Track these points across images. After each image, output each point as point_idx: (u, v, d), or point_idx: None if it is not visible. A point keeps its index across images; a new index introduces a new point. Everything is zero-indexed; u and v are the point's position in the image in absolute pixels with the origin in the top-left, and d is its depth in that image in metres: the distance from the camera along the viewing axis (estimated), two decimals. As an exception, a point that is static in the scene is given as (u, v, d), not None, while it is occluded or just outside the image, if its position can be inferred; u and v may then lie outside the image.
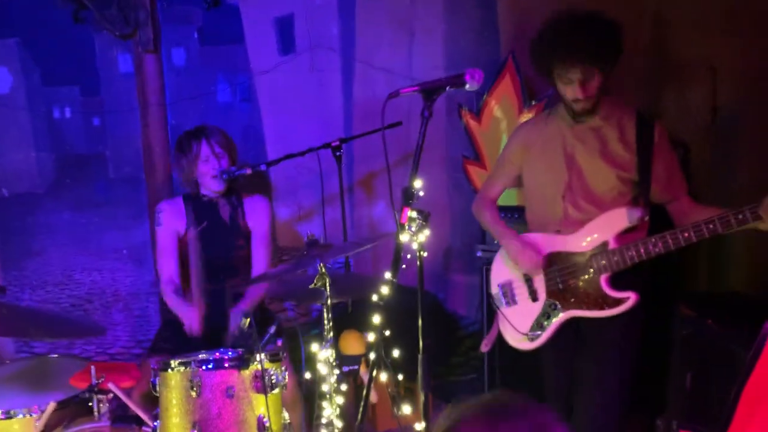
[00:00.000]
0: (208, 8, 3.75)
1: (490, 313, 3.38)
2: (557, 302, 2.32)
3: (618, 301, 2.21)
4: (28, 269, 3.73)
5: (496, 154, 3.57)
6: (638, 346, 2.31)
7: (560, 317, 2.31)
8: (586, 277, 2.24)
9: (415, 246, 1.73)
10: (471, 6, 3.71)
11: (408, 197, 1.70)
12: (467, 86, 1.75)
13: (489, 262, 3.36)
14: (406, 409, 2.17)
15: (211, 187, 2.86)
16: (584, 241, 2.26)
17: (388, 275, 1.74)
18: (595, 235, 2.24)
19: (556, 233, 2.33)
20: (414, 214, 1.72)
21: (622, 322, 2.24)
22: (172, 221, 2.92)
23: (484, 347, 2.60)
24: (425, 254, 1.74)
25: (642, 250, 2.15)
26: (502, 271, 2.48)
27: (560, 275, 2.30)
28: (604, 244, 2.21)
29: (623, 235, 2.21)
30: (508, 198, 3.58)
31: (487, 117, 3.57)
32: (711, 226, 2.06)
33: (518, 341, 2.42)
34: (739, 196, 2.45)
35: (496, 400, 0.98)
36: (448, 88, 1.77)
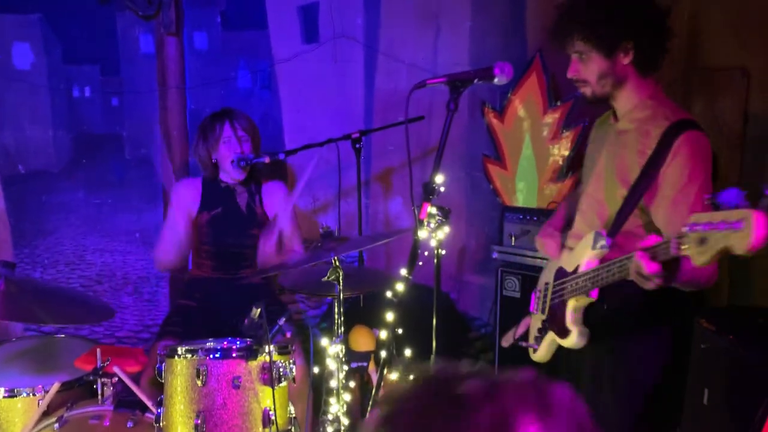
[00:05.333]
0: (233, -8, 3.71)
1: (503, 315, 3.33)
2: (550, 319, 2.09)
3: (566, 332, 1.93)
4: (40, 247, 3.71)
5: (518, 153, 3.51)
6: (635, 377, 2.02)
7: (550, 335, 2.07)
8: (561, 299, 1.99)
9: (433, 243, 1.68)
10: (499, 2, 3.64)
11: (428, 192, 1.65)
12: (496, 80, 1.69)
13: (504, 264, 3.32)
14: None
15: (230, 172, 2.82)
16: (571, 260, 1.99)
17: (403, 272, 1.69)
18: (576, 256, 1.96)
19: (566, 248, 2.10)
20: (434, 210, 1.66)
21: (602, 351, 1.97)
22: (184, 201, 2.89)
23: (505, 342, 2.37)
24: (444, 252, 1.68)
25: (588, 281, 1.83)
26: (542, 276, 2.27)
27: (552, 293, 2.08)
28: (577, 268, 1.92)
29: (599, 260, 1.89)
30: (529, 199, 3.52)
31: (510, 116, 3.51)
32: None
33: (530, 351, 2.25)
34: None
35: (452, 374, 0.70)
36: (476, 80, 1.70)
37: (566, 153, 3.36)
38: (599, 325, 1.94)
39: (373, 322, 2.73)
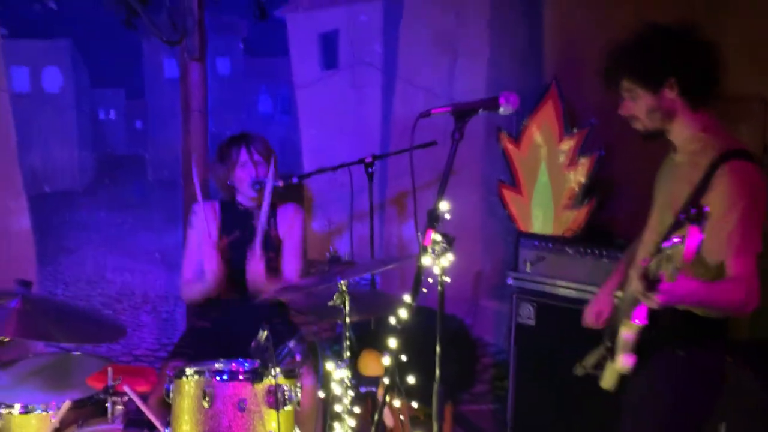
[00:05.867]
0: (255, 20, 3.80)
1: (518, 343, 3.29)
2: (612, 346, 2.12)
3: (615, 355, 1.98)
4: (62, 265, 3.82)
5: (533, 179, 3.50)
6: (670, 401, 2.00)
7: (609, 361, 2.10)
8: (619, 326, 2.02)
9: (436, 270, 1.68)
10: (517, 30, 3.67)
11: (433, 219, 1.66)
12: (501, 110, 1.70)
13: (519, 290, 3.29)
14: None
15: (247, 194, 2.86)
16: (629, 289, 2.05)
17: (407, 298, 1.70)
18: (630, 285, 2.01)
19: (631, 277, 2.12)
20: (438, 237, 1.67)
21: (645, 380, 1.99)
22: (203, 224, 2.93)
23: (578, 371, 2.36)
24: (447, 279, 1.69)
25: (626, 305, 1.91)
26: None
27: (616, 318, 2.13)
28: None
29: None
30: (545, 226, 3.50)
31: (526, 142, 3.51)
32: None
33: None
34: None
35: None
36: (481, 110, 1.72)
37: (582, 180, 3.35)
38: (645, 352, 1.97)
39: (384, 346, 2.73)
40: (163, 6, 3.58)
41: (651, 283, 1.57)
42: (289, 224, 2.92)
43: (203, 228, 2.88)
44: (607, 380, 2.14)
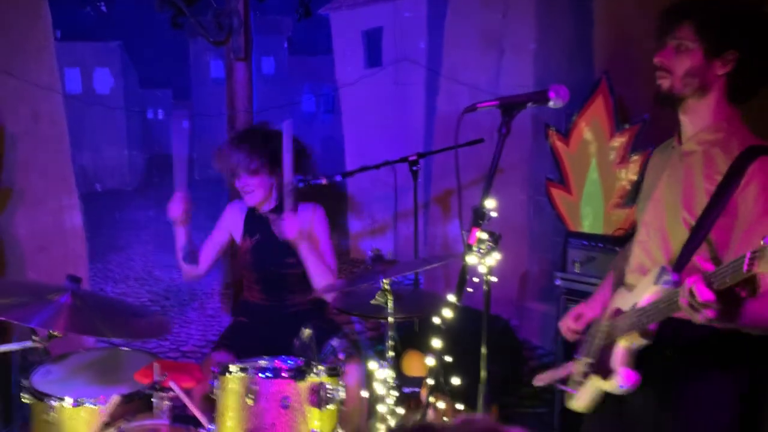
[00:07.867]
0: (299, 19, 3.81)
1: (567, 345, 3.20)
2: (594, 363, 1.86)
3: (610, 373, 1.73)
4: (112, 263, 3.90)
5: (583, 177, 3.41)
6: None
7: (593, 380, 1.84)
8: (611, 340, 1.79)
9: (482, 269, 1.64)
10: (565, 25, 3.58)
11: (478, 217, 1.61)
12: (551, 103, 1.63)
13: (568, 292, 3.21)
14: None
15: (247, 203, 2.80)
16: (629, 299, 1.78)
17: (451, 297, 1.65)
18: (636, 294, 1.75)
19: (625, 286, 1.88)
20: (484, 235, 1.62)
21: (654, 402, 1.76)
22: (228, 223, 2.95)
23: (539, 381, 2.15)
24: (494, 279, 1.64)
25: (643, 316, 1.65)
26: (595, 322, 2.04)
27: (603, 334, 1.87)
28: (635, 305, 1.73)
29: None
30: (595, 225, 3.40)
31: (576, 139, 3.42)
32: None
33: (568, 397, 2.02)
34: None
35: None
36: (529, 104, 1.65)
37: (634, 177, 3.24)
38: (661, 372, 1.76)
39: (428, 346, 2.69)
40: (210, 7, 3.63)
41: (727, 296, 1.38)
42: (308, 226, 2.81)
43: (224, 226, 2.92)
44: (583, 399, 1.89)
